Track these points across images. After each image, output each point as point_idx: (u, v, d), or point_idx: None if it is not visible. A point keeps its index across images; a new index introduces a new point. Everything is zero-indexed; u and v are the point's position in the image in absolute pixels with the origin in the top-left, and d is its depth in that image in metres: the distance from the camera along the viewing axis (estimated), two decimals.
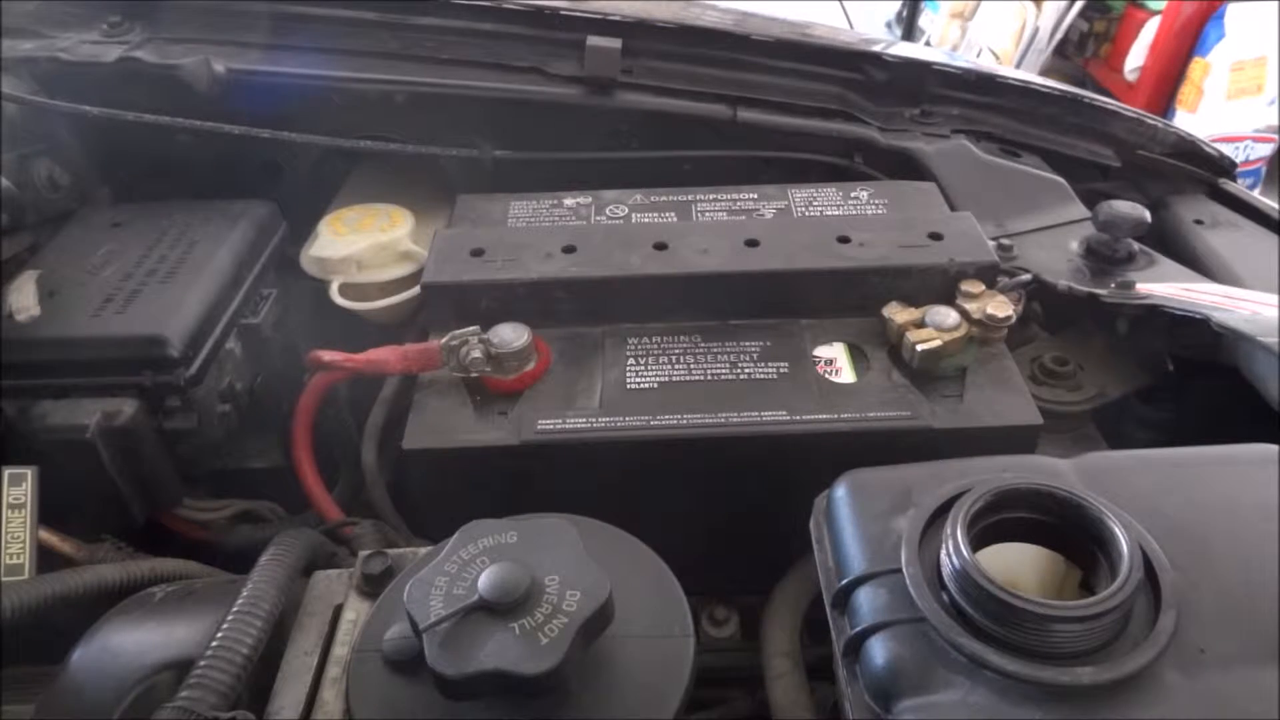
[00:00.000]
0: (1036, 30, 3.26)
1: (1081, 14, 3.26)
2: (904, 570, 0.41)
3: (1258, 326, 0.64)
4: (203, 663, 0.44)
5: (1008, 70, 1.06)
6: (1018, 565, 0.44)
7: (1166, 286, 0.75)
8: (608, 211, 0.81)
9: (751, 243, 0.73)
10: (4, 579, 0.61)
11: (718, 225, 0.78)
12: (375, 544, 0.65)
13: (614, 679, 0.43)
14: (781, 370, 0.67)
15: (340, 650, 0.49)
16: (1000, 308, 0.67)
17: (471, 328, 0.67)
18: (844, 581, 0.44)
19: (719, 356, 0.68)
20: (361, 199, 0.94)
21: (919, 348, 0.65)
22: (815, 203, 0.82)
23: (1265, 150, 3.13)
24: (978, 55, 3.38)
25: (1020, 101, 0.97)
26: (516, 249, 0.74)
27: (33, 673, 0.56)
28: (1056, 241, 0.85)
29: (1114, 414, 0.76)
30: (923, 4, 3.71)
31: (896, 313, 0.68)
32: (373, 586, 0.52)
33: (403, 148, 0.92)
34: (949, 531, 0.41)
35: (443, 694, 0.40)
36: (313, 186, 0.99)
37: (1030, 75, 1.06)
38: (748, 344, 0.69)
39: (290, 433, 0.76)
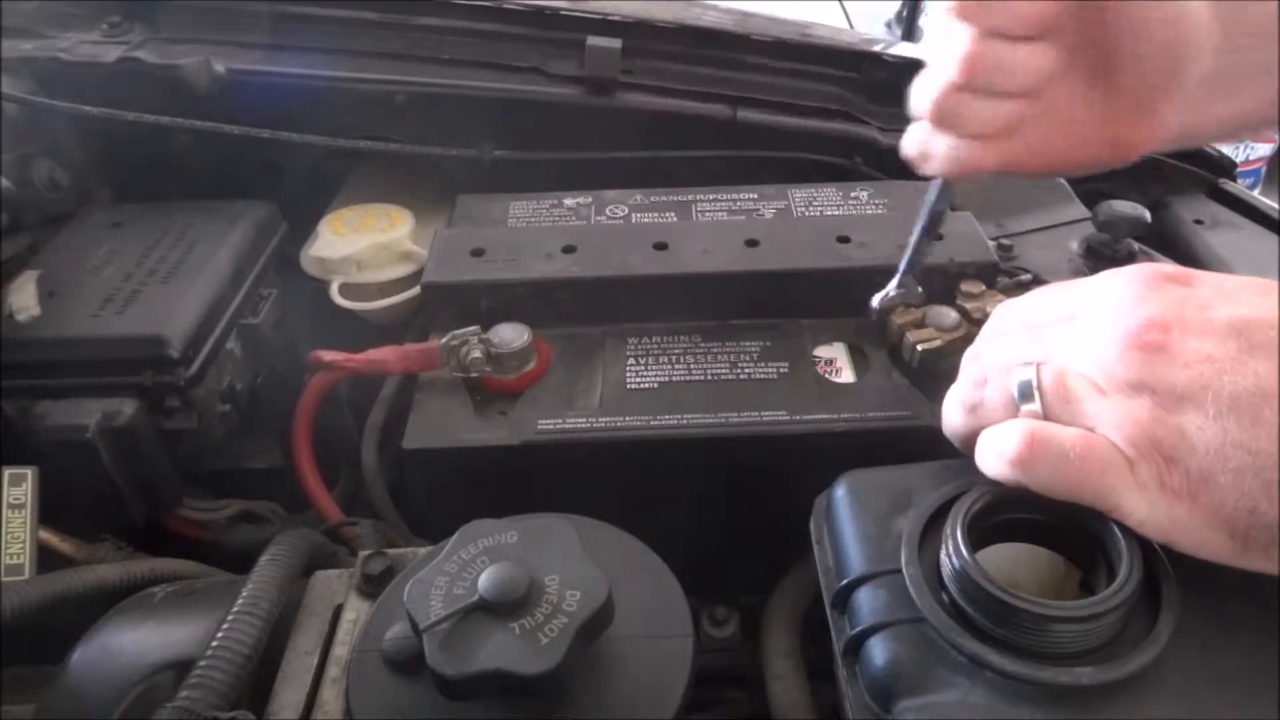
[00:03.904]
0: None
1: None
2: (904, 570, 0.41)
3: None
4: (203, 663, 0.44)
5: None
6: (1018, 565, 0.44)
7: None
8: (608, 211, 0.81)
9: (752, 243, 0.73)
10: (4, 579, 0.61)
11: (718, 225, 0.78)
12: (375, 544, 0.65)
13: (614, 679, 0.43)
14: (781, 370, 0.67)
15: (340, 650, 0.49)
16: None
17: (471, 328, 0.67)
18: (844, 582, 0.44)
19: (719, 356, 0.68)
20: (361, 199, 0.94)
21: (919, 348, 0.65)
22: (815, 203, 0.82)
23: (1265, 150, 3.13)
24: None
25: None
26: (516, 249, 0.74)
27: (33, 673, 0.56)
28: (1056, 241, 0.84)
29: None
30: (923, 4, 3.70)
31: (897, 313, 0.68)
32: (373, 586, 0.52)
33: (403, 148, 0.91)
34: (949, 532, 0.41)
35: (443, 694, 0.40)
36: (313, 186, 0.99)
37: None
38: (748, 344, 0.69)
39: (290, 433, 0.76)
